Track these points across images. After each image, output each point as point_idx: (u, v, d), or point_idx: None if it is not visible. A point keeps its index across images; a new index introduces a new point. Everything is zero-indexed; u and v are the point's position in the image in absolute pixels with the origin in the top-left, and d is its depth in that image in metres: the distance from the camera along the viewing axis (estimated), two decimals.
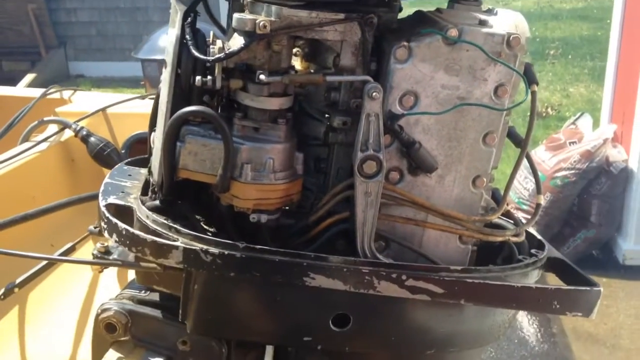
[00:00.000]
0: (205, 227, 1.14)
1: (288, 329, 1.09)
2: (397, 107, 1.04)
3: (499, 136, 1.08)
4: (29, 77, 9.29)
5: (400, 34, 1.05)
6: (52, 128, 2.24)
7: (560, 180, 4.32)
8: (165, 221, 1.06)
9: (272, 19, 0.99)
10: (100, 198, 1.17)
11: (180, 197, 1.13)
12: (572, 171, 4.30)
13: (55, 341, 1.59)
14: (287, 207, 1.11)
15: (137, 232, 1.05)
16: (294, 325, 1.08)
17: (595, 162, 4.29)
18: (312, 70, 1.14)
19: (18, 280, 1.42)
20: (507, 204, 1.15)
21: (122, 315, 1.17)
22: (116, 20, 10.14)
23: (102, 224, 1.11)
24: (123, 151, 2.15)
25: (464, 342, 1.14)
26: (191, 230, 1.04)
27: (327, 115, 1.10)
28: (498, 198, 1.17)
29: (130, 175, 1.30)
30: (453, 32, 1.01)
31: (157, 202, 1.13)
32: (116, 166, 1.34)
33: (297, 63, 1.17)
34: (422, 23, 1.07)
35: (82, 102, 2.55)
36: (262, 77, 1.01)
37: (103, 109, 2.34)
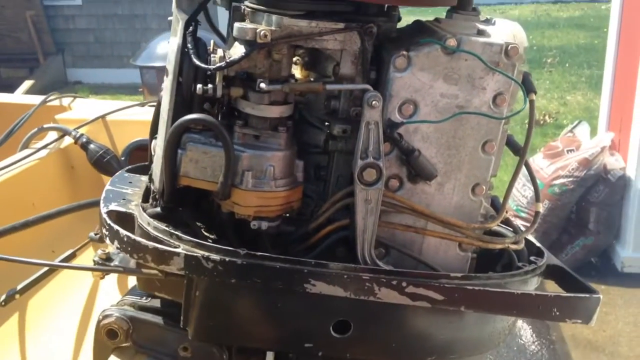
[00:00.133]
0: (206, 234, 1.14)
1: (289, 335, 1.09)
2: (397, 116, 1.05)
3: (497, 144, 1.09)
4: (27, 83, 9.28)
5: (399, 43, 1.06)
6: (52, 135, 2.24)
7: (558, 188, 4.33)
8: (166, 228, 1.06)
9: (273, 28, 1.00)
10: (102, 205, 1.18)
11: (181, 205, 1.13)
12: (570, 179, 4.31)
13: (56, 347, 1.59)
14: (287, 215, 1.12)
15: (138, 239, 1.05)
16: (294, 331, 1.09)
17: (593, 170, 4.31)
18: (312, 79, 1.15)
19: (19, 287, 1.42)
20: (506, 212, 1.16)
21: (124, 322, 1.17)
22: (114, 28, 10.18)
23: (104, 230, 1.12)
24: (123, 158, 2.16)
25: (464, 349, 1.14)
26: (192, 237, 1.04)
27: (327, 123, 1.11)
28: (497, 206, 1.17)
29: (131, 182, 1.31)
30: (452, 42, 1.02)
31: (158, 209, 1.13)
32: (117, 173, 1.35)
33: (297, 71, 1.18)
34: (421, 32, 1.09)
35: (81, 109, 2.56)
36: (262, 85, 1.02)
37: (103, 116, 2.35)
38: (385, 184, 1.05)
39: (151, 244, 1.03)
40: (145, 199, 1.21)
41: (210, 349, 1.14)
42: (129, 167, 1.39)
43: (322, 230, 1.09)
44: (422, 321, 1.09)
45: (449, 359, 1.14)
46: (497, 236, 1.15)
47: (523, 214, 4.39)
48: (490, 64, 1.03)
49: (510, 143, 1.15)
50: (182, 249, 1.02)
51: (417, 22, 1.15)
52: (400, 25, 1.14)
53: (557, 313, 1.06)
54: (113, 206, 1.18)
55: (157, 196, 1.14)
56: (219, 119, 1.10)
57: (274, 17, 1.00)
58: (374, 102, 1.02)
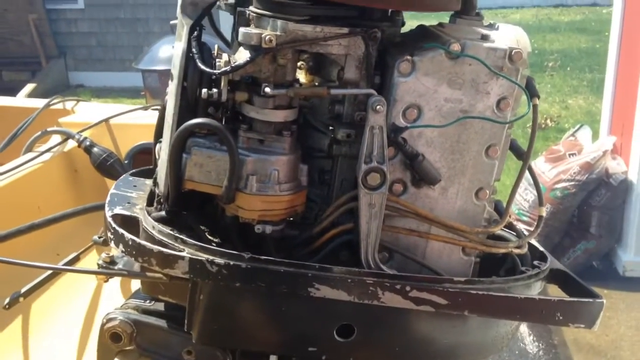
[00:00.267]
0: (209, 237, 1.15)
1: (293, 339, 1.10)
2: (401, 120, 1.06)
3: (501, 149, 1.09)
4: (29, 87, 9.30)
5: (403, 48, 1.06)
6: (56, 138, 2.25)
7: (560, 192, 4.33)
8: (171, 232, 1.07)
9: (278, 33, 1.00)
10: (107, 209, 1.18)
11: (185, 208, 1.14)
12: (572, 183, 4.31)
13: (60, 350, 1.59)
14: (291, 219, 1.12)
15: (143, 242, 1.06)
16: (298, 335, 1.09)
17: (594, 174, 4.31)
18: (316, 84, 1.16)
19: (23, 290, 1.43)
20: (509, 216, 1.16)
21: (128, 325, 1.18)
22: (116, 31, 10.20)
23: (109, 234, 1.12)
24: (126, 161, 2.16)
25: (468, 354, 1.14)
26: (197, 241, 1.05)
27: (331, 128, 1.12)
28: (500, 210, 1.18)
29: (135, 186, 1.31)
30: (456, 47, 1.02)
31: (162, 212, 1.14)
32: (121, 177, 1.36)
33: (301, 76, 1.18)
34: (425, 37, 1.09)
35: (85, 112, 2.56)
36: (267, 90, 1.02)
37: (106, 120, 2.35)
38: (389, 188, 1.06)
39: (156, 247, 1.04)
40: (149, 202, 1.21)
41: (214, 352, 1.14)
42: (134, 170, 1.39)
43: (326, 234, 1.09)
44: (425, 325, 1.09)
45: None
46: (500, 240, 1.15)
47: (525, 218, 4.39)
48: (494, 69, 1.03)
49: (514, 147, 1.16)
50: (186, 252, 1.02)
51: (421, 27, 1.16)
52: (404, 30, 1.15)
53: (561, 317, 1.06)
54: (118, 210, 1.18)
55: (161, 200, 1.14)
56: (223, 123, 1.10)
57: (279, 22, 1.00)
58: (378, 107, 1.02)
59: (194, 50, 1.04)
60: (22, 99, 3.54)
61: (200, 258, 1.01)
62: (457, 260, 1.14)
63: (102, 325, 1.19)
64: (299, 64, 1.13)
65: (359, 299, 1.01)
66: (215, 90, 1.03)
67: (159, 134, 1.20)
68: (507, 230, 1.22)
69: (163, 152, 1.12)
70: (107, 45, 10.28)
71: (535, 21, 13.83)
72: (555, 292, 1.17)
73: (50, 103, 2.55)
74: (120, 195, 1.25)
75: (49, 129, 2.22)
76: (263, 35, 0.99)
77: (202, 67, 1.02)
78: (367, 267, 1.06)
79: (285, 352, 1.14)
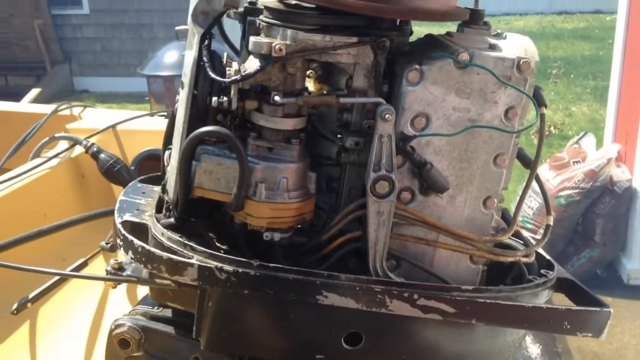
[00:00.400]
0: (218, 244, 1.15)
1: (300, 346, 1.10)
2: (409, 129, 1.06)
3: (509, 157, 1.09)
4: (34, 91, 9.36)
5: (412, 57, 1.07)
6: (63, 144, 2.26)
7: (564, 199, 4.33)
8: (180, 239, 1.07)
9: (288, 42, 1.01)
10: (116, 215, 1.19)
11: (194, 215, 1.14)
12: (576, 190, 4.31)
13: (67, 356, 1.60)
14: (299, 226, 1.13)
15: (153, 249, 1.06)
16: (306, 342, 1.09)
17: (599, 182, 4.31)
18: (325, 92, 1.17)
19: (31, 295, 1.43)
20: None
21: (136, 331, 1.18)
22: (121, 37, 10.24)
23: (118, 241, 1.13)
24: (133, 167, 2.17)
25: None
26: (206, 248, 1.05)
27: (339, 136, 1.12)
28: (508, 218, 1.18)
29: (144, 192, 1.32)
30: (464, 56, 1.03)
31: (172, 219, 1.14)
32: (130, 184, 1.36)
33: (310, 85, 1.19)
34: (434, 47, 1.10)
35: (92, 118, 2.58)
36: (277, 98, 1.03)
37: (113, 126, 2.37)
38: (397, 196, 1.06)
39: (165, 254, 1.04)
40: (158, 209, 1.22)
41: (222, 359, 1.14)
42: (142, 177, 1.40)
43: (334, 242, 1.10)
44: (433, 334, 1.09)
45: None
46: (508, 249, 1.16)
47: (529, 225, 4.38)
48: (503, 78, 1.04)
49: (521, 156, 1.16)
50: (196, 259, 1.03)
51: (429, 36, 1.16)
52: (412, 39, 1.15)
53: (568, 326, 1.06)
54: (127, 216, 1.19)
55: (170, 207, 1.15)
56: (232, 130, 1.11)
57: (289, 32, 1.01)
58: (386, 116, 1.03)
59: (204, 58, 1.05)
60: (28, 105, 3.56)
61: (209, 265, 1.01)
62: (464, 268, 1.14)
63: (111, 331, 1.19)
64: (308, 72, 1.14)
65: (367, 306, 1.01)
66: (225, 98, 1.04)
67: (167, 141, 1.21)
68: (514, 238, 1.22)
69: (173, 159, 1.13)
70: (112, 51, 10.32)
71: (539, 28, 13.84)
72: (559, 301, 1.17)
73: (59, 109, 2.57)
74: (129, 202, 1.26)
75: (56, 135, 2.23)
76: (273, 45, 1.00)
77: (213, 75, 1.03)
78: (375, 275, 1.06)
79: (292, 359, 1.15)
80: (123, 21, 10.16)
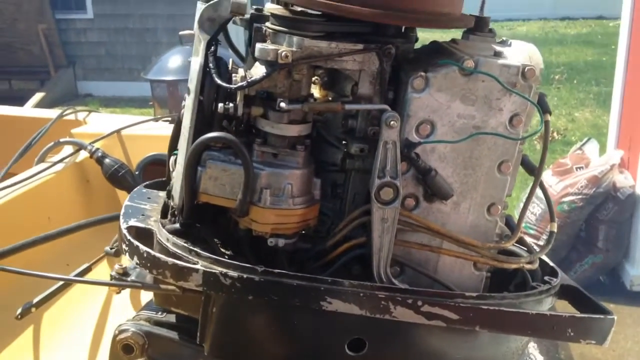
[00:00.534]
0: (223, 250, 1.15)
1: (304, 352, 1.10)
2: (414, 135, 1.07)
3: (513, 165, 1.10)
4: (38, 96, 9.40)
5: (417, 64, 1.07)
6: (68, 149, 2.27)
7: (567, 205, 4.33)
8: (185, 244, 1.08)
9: (294, 49, 1.02)
10: (122, 221, 1.19)
11: (199, 221, 1.15)
12: (579, 196, 4.31)
13: None
14: (304, 232, 1.13)
15: (158, 254, 1.07)
16: (310, 349, 1.09)
17: (602, 188, 4.31)
18: (330, 99, 1.17)
19: (35, 300, 1.44)
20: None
21: (139, 337, 1.18)
22: (125, 41, 10.28)
23: (124, 246, 1.13)
24: (137, 172, 2.18)
25: None
26: (210, 253, 1.06)
27: (344, 142, 1.13)
28: (512, 225, 1.18)
29: (149, 198, 1.32)
30: (469, 63, 1.03)
31: (177, 225, 1.15)
32: (135, 189, 1.37)
33: (315, 91, 1.19)
34: (439, 54, 1.10)
35: (96, 123, 2.59)
36: (282, 104, 1.03)
37: (118, 131, 2.37)
38: (401, 202, 1.06)
39: (170, 260, 1.05)
40: (163, 215, 1.22)
41: None
42: (147, 182, 1.40)
43: (339, 248, 1.10)
44: (437, 340, 1.09)
45: None
46: (511, 255, 1.16)
47: (532, 231, 4.38)
48: (507, 85, 1.04)
49: (525, 163, 1.16)
50: (200, 265, 1.03)
51: (434, 43, 1.17)
52: (417, 46, 1.16)
53: (572, 334, 1.06)
54: (133, 222, 1.19)
55: (175, 212, 1.16)
56: (237, 136, 1.12)
57: (295, 39, 1.02)
58: (392, 122, 1.03)
59: (210, 65, 1.06)
60: (33, 110, 3.57)
61: (214, 271, 1.02)
62: (468, 275, 1.14)
63: (114, 336, 1.19)
64: (313, 79, 1.14)
65: (371, 313, 1.02)
66: (231, 104, 1.05)
67: (173, 147, 1.21)
68: (518, 245, 1.22)
69: (178, 164, 1.13)
70: (115, 55, 10.36)
71: (542, 34, 13.85)
72: (563, 308, 1.17)
73: (64, 114, 2.58)
74: (134, 207, 1.26)
75: (61, 140, 2.23)
76: (279, 51, 1.00)
77: (219, 81, 1.04)
78: (379, 281, 1.07)
79: None
80: (127, 26, 10.20)
